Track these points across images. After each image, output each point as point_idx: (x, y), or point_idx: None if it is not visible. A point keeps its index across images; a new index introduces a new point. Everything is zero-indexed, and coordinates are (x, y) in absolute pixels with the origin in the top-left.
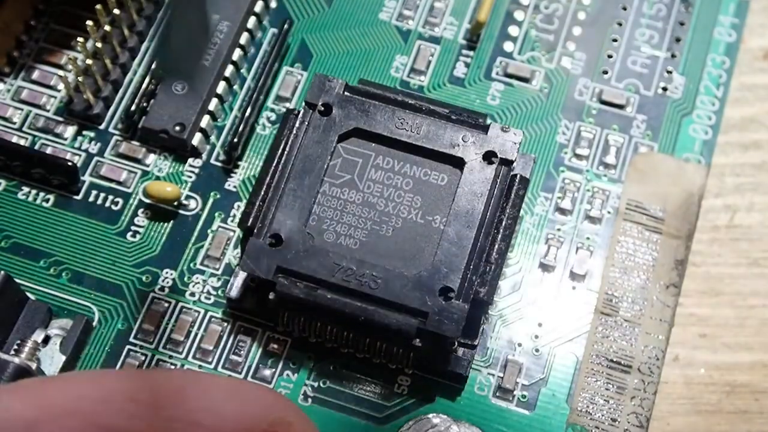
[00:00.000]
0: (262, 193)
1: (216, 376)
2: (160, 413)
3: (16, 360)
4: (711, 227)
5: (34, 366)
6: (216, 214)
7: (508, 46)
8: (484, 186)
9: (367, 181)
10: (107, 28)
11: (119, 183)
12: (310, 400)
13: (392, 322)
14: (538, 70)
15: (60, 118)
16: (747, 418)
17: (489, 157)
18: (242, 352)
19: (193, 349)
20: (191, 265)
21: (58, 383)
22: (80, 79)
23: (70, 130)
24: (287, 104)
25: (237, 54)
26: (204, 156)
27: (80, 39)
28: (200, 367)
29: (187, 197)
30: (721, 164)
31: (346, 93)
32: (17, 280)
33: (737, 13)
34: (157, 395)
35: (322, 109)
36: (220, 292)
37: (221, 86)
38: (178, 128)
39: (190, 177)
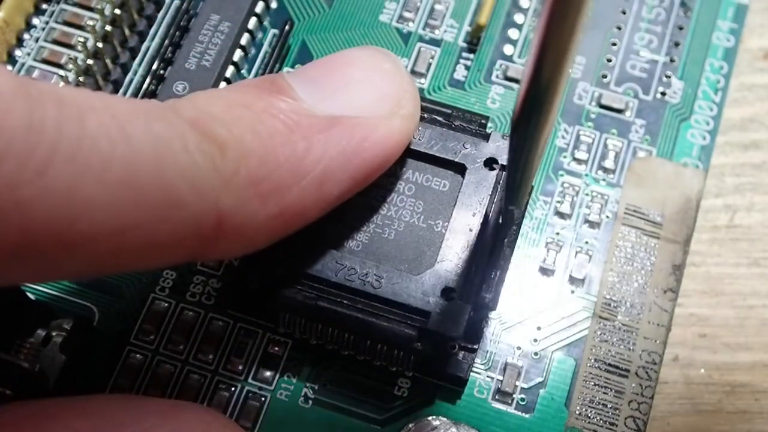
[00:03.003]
0: None
1: (153, 400)
2: None
3: (16, 360)
4: (711, 227)
5: (34, 366)
6: None
7: (508, 50)
8: (485, 191)
9: (369, 186)
10: (107, 28)
11: None
12: (310, 402)
13: (393, 325)
14: None
15: None
16: (747, 418)
17: (490, 163)
18: (243, 353)
19: (194, 350)
20: (191, 265)
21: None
22: (81, 78)
23: None
24: None
25: (238, 55)
26: None
27: (81, 39)
28: (200, 368)
29: None
30: (721, 164)
31: None
32: None
33: (736, 17)
34: (94, 423)
35: None
36: (220, 292)
37: (222, 87)
38: None
39: None
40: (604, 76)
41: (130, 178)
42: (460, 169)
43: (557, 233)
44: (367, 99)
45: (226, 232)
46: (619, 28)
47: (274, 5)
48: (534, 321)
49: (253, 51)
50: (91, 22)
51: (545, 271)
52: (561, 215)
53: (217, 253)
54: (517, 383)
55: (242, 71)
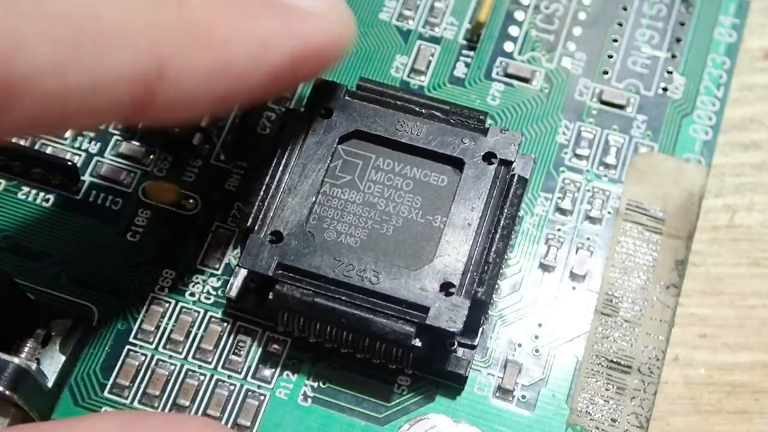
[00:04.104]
0: (262, 193)
1: (155, 415)
2: None
3: (16, 360)
4: (711, 227)
5: (33, 366)
6: (216, 214)
7: (508, 47)
8: (483, 186)
9: (367, 182)
10: None
11: (119, 183)
12: (309, 400)
13: (391, 321)
14: (539, 71)
15: None
16: (747, 418)
17: (489, 158)
18: (242, 352)
19: (193, 349)
20: (191, 265)
21: None
22: None
23: (70, 130)
24: (287, 104)
25: None
26: (204, 156)
27: None
28: (200, 367)
29: (187, 197)
30: (721, 164)
31: (346, 97)
32: (17, 280)
33: (738, 13)
34: None
35: (323, 112)
36: (219, 292)
37: None
38: (178, 128)
39: (190, 177)
40: (606, 72)
41: (65, 13)
42: (458, 163)
43: (558, 229)
44: (313, 3)
45: (168, 80)
46: (620, 24)
47: None
48: (535, 317)
49: None
50: None
51: (546, 268)
52: (562, 211)
53: (161, 107)
54: (518, 380)
55: None
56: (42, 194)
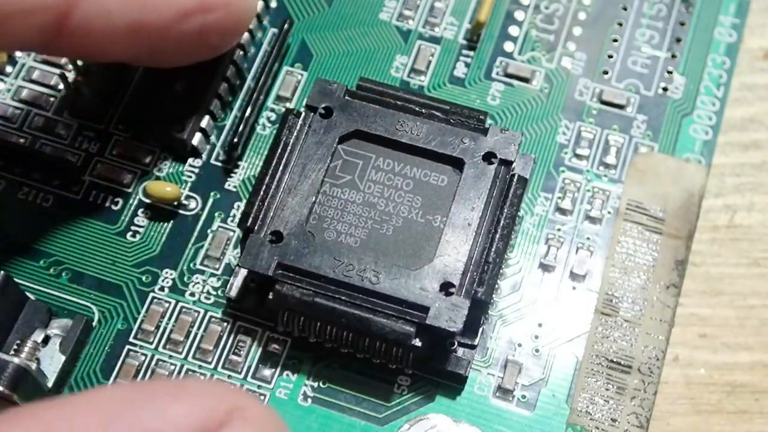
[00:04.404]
0: (262, 193)
1: (159, 381)
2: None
3: (16, 360)
4: (711, 227)
5: (33, 366)
6: (216, 214)
7: (508, 46)
8: (483, 186)
9: (367, 182)
10: None
11: (119, 183)
12: (309, 400)
13: (391, 321)
14: (539, 70)
15: (60, 118)
16: (747, 418)
17: (489, 158)
18: (242, 352)
19: (193, 349)
20: (191, 265)
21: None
22: (80, 78)
23: (70, 130)
24: (287, 104)
25: (237, 54)
26: (204, 156)
27: None
28: (200, 367)
29: (187, 197)
30: (721, 164)
31: (346, 97)
32: (17, 280)
33: (738, 13)
34: (104, 413)
35: (323, 112)
36: (220, 292)
37: (221, 86)
38: (177, 128)
39: (190, 177)
40: (606, 72)
41: None
42: (458, 163)
43: (558, 229)
44: None
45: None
46: (620, 24)
47: (273, 4)
48: (535, 317)
49: (252, 50)
50: None
51: (546, 267)
52: (562, 211)
53: (78, 28)
54: (518, 380)
55: (242, 70)
56: (42, 194)
